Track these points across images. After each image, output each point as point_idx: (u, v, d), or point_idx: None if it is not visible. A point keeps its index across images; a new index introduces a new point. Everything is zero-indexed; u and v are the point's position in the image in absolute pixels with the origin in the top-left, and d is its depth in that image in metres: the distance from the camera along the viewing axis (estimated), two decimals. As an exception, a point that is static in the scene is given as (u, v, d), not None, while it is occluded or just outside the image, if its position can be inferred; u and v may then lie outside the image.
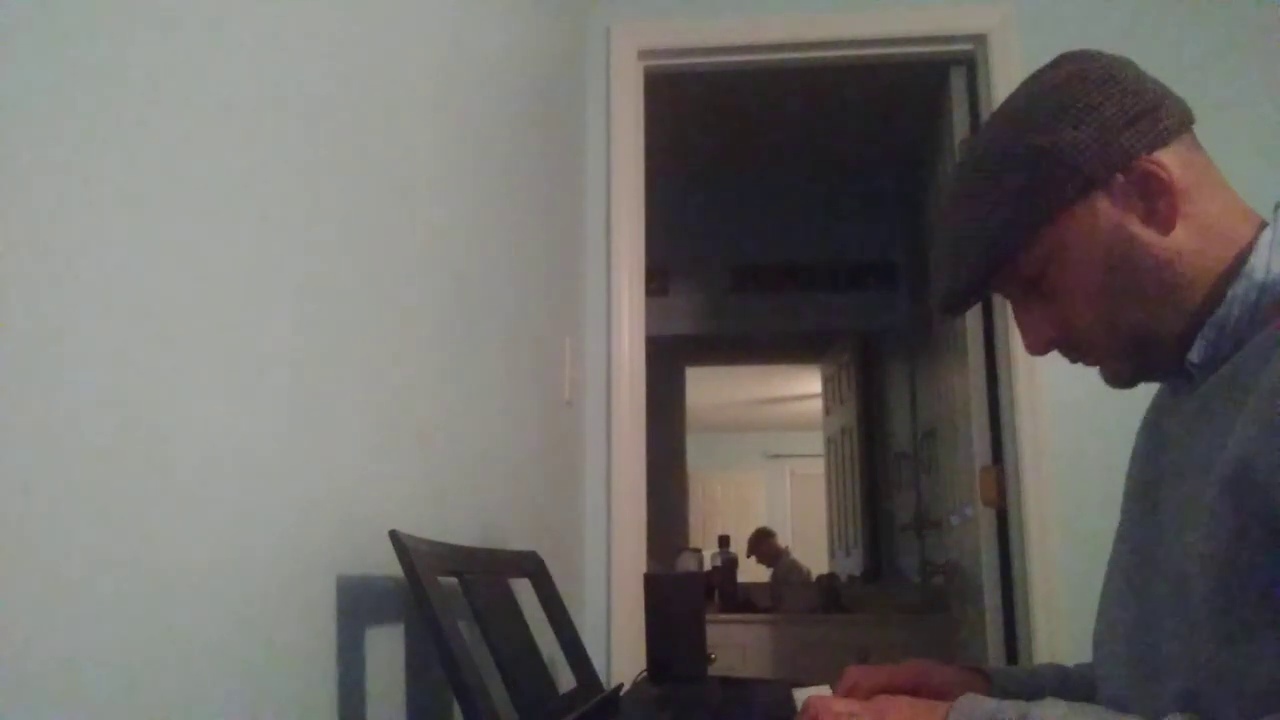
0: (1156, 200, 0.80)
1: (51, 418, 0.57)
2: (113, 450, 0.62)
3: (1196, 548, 0.73)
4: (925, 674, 1.01)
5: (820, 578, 4.17)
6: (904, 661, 1.03)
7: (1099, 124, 0.80)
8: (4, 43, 0.54)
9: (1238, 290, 0.78)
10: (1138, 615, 0.83)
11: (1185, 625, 0.74)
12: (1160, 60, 0.86)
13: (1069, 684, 1.01)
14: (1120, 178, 0.81)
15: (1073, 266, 0.83)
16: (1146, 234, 0.81)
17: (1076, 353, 0.88)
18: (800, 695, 0.99)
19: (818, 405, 4.60)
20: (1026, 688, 1.00)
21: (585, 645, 1.34)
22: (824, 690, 1.03)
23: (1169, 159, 0.80)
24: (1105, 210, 0.81)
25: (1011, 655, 2.38)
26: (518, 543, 1.58)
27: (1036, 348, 0.89)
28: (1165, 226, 0.80)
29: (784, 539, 4.50)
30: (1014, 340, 2.33)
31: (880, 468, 4.28)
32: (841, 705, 0.81)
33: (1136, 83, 0.82)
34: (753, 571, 4.30)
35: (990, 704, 0.77)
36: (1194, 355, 0.80)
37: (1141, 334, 0.82)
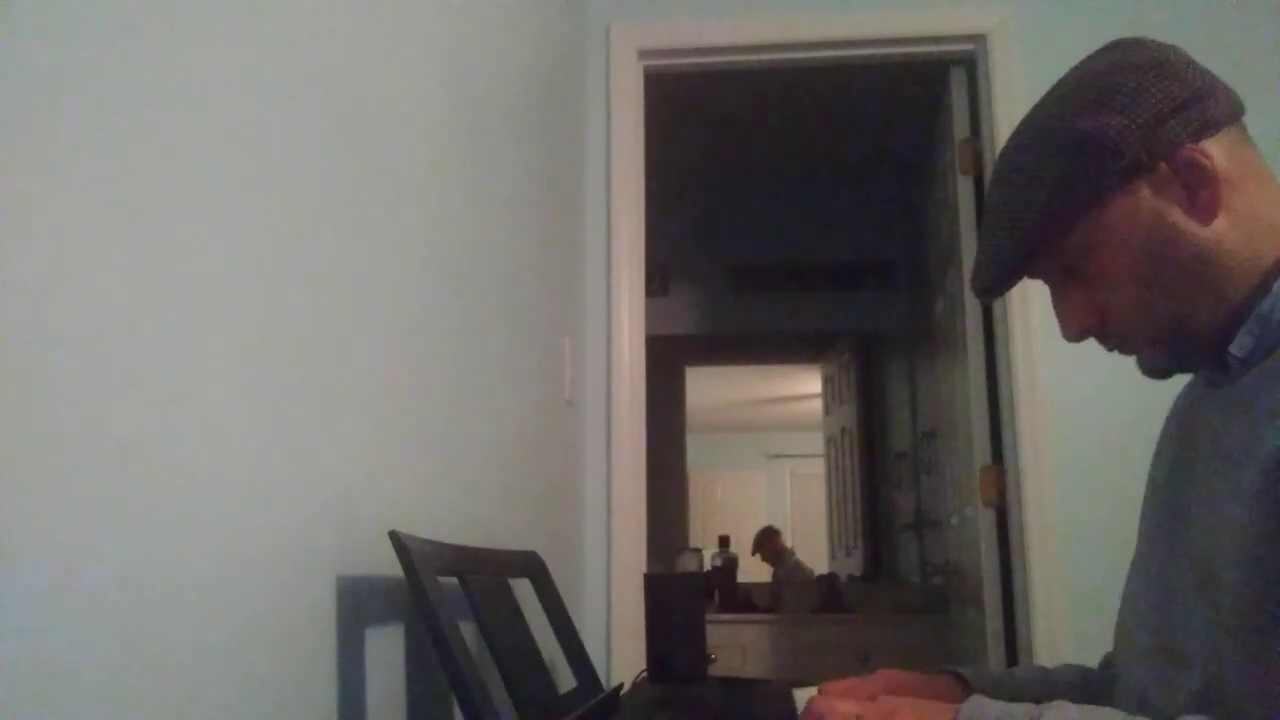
0: (1199, 189, 0.79)
1: (51, 418, 0.57)
2: (112, 450, 0.62)
3: (1229, 539, 0.72)
4: (897, 683, 0.97)
5: (821, 578, 4.17)
6: (878, 670, 1.01)
7: (1144, 110, 0.80)
8: (5, 40, 0.54)
9: None
10: (1162, 606, 0.82)
11: (1210, 618, 0.73)
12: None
13: (1050, 685, 0.99)
14: (1163, 165, 0.80)
15: (1112, 253, 0.82)
16: (1187, 223, 0.80)
17: (1113, 340, 0.87)
18: (800, 695, 0.99)
19: (818, 405, 4.60)
20: (1005, 689, 0.98)
21: (585, 645, 1.34)
22: None
23: (1215, 149, 0.80)
24: (1147, 198, 0.81)
25: (1011, 655, 2.38)
26: (518, 543, 1.58)
27: (1073, 334, 0.88)
28: (1207, 216, 0.80)
29: (784, 539, 4.50)
30: (1014, 340, 2.33)
31: (880, 468, 4.28)
32: (847, 706, 0.81)
33: (1185, 70, 0.82)
34: (753, 571, 4.30)
35: (996, 707, 0.76)
36: (1236, 348, 0.79)
37: (1180, 323, 0.82)
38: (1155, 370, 0.87)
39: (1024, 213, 0.84)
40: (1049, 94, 0.87)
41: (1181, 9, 2.40)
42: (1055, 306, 0.89)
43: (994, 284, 0.89)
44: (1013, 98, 2.40)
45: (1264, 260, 0.79)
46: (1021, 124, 0.88)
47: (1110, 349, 0.88)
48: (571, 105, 2.34)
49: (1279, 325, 0.77)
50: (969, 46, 2.52)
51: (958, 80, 2.66)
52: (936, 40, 2.52)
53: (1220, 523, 0.75)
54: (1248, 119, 0.85)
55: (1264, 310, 0.78)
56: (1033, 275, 0.89)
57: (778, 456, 4.65)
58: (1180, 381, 0.93)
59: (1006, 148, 0.89)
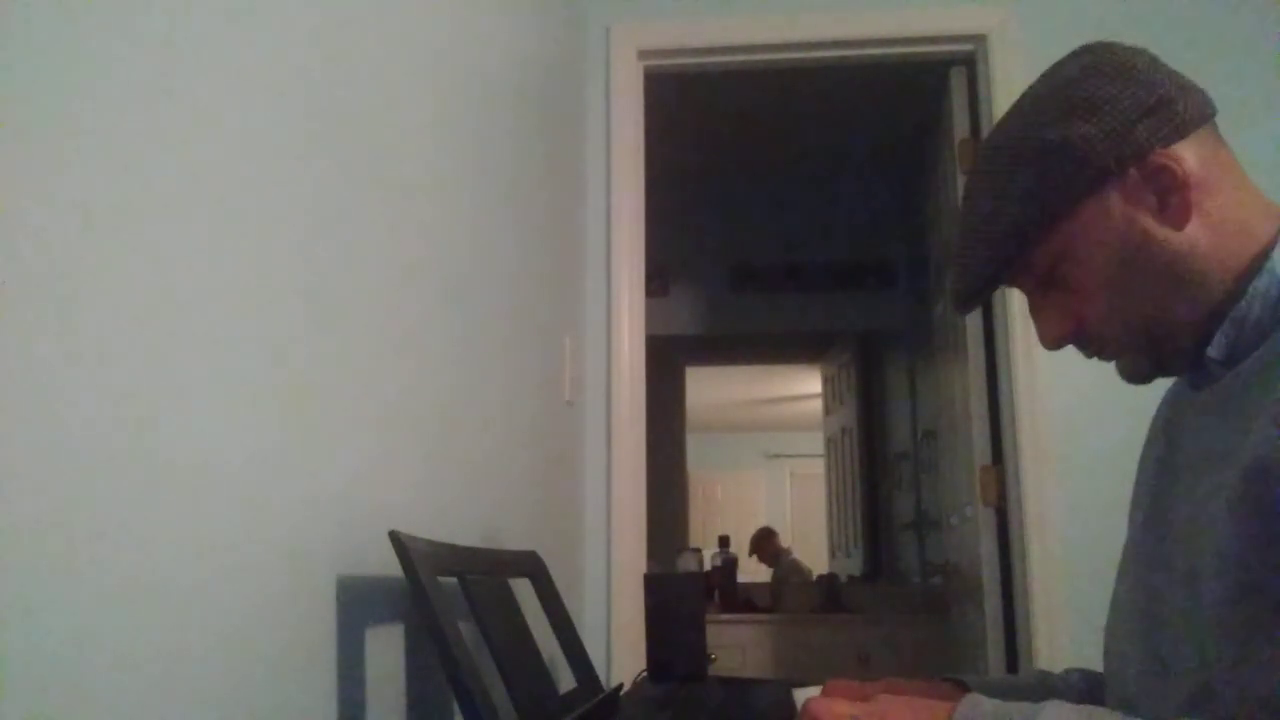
0: (1170, 195, 0.79)
1: (51, 418, 0.57)
2: (112, 450, 0.62)
3: (1211, 545, 0.72)
4: (898, 688, 0.97)
5: (820, 578, 4.17)
6: (881, 679, 1.00)
7: (1112, 117, 0.79)
8: (4, 41, 0.54)
9: (1259, 285, 0.77)
10: (1149, 610, 0.82)
11: (1197, 622, 0.73)
12: (1164, 59, 0.85)
13: (1051, 689, 0.99)
14: (1133, 171, 0.80)
15: (1086, 261, 0.82)
16: (1159, 229, 0.80)
17: (1092, 347, 0.87)
18: (800, 695, 0.99)
19: (818, 405, 4.60)
20: (1006, 693, 0.97)
21: (585, 645, 1.34)
22: None
23: (1186, 152, 0.79)
24: (1118, 204, 0.80)
25: (1011, 655, 2.38)
26: (518, 543, 1.58)
27: (1051, 342, 0.88)
28: (1179, 221, 0.79)
29: (784, 539, 4.50)
30: (1014, 340, 2.33)
31: (880, 468, 4.28)
32: (843, 707, 0.81)
33: (1153, 74, 0.81)
34: (753, 571, 4.30)
35: (991, 705, 0.76)
36: (1213, 351, 0.79)
37: (1156, 328, 0.82)
38: (1135, 376, 0.87)
39: (996, 225, 0.84)
40: (1018, 103, 0.87)
41: (1180, 8, 2.40)
42: (1032, 315, 0.89)
43: (970, 296, 0.89)
44: (1012, 98, 2.38)
45: (1238, 262, 0.79)
46: (991, 134, 0.88)
47: (1089, 356, 0.88)
48: (571, 106, 2.34)
49: (1255, 327, 0.77)
50: (969, 46, 2.52)
51: (958, 80, 2.66)
52: (936, 40, 2.52)
53: (1203, 525, 0.74)
54: (1247, 119, 0.84)
55: (1240, 313, 0.78)
56: (1008, 285, 0.89)
57: (778, 456, 4.66)
58: (1167, 383, 0.93)
59: (978, 160, 0.88)
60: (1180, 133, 0.80)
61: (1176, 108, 0.80)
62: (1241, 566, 0.69)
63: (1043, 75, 0.87)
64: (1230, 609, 0.70)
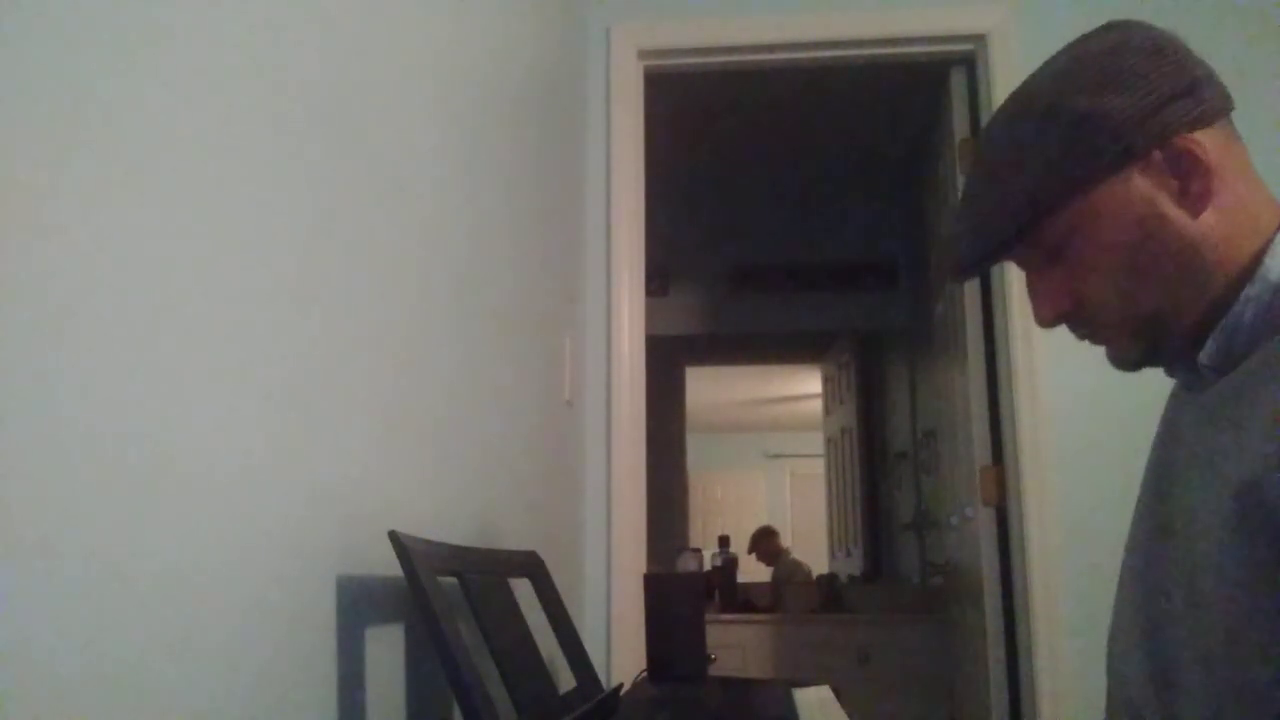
0: (1191, 180, 0.78)
1: (49, 416, 0.57)
2: (111, 449, 0.62)
3: (1210, 557, 0.71)
4: None
5: (820, 578, 4.17)
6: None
7: (1144, 95, 0.78)
8: (4, 39, 0.54)
9: (1251, 292, 0.76)
10: (1151, 617, 0.80)
11: (1200, 635, 0.72)
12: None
13: None
14: (1158, 153, 0.78)
15: (1098, 239, 0.80)
16: (1177, 214, 0.79)
17: (1087, 328, 0.85)
18: (800, 695, 0.99)
19: (818, 405, 4.60)
20: None
21: (585, 645, 1.34)
22: (824, 690, 1.03)
23: (1207, 140, 0.78)
24: (1139, 185, 0.79)
25: (1011, 655, 2.38)
26: (518, 543, 1.58)
27: (1047, 319, 0.86)
28: (1197, 208, 0.78)
29: (784, 539, 4.50)
30: (1014, 340, 2.33)
31: (880, 468, 4.28)
32: None
33: (1185, 57, 0.80)
34: (753, 571, 4.30)
35: None
36: (1204, 356, 0.78)
37: (1157, 316, 0.80)
38: (1124, 362, 0.85)
39: (1012, 191, 0.81)
40: (1041, 72, 0.85)
41: (1182, 9, 2.39)
42: (1030, 289, 0.87)
43: (974, 264, 0.86)
44: (1013, 98, 2.39)
45: (1243, 257, 0.78)
46: (1011, 100, 0.85)
47: (1081, 337, 0.87)
48: (571, 106, 2.34)
49: (1247, 334, 0.76)
50: (969, 46, 2.52)
51: (958, 80, 2.67)
52: (936, 40, 2.52)
53: (1199, 530, 0.73)
54: (1250, 118, 0.84)
55: (1232, 319, 0.77)
56: (1011, 257, 0.87)
57: (778, 456, 4.66)
58: (1168, 382, 0.92)
59: (994, 124, 0.86)
60: (1205, 120, 0.79)
61: (1204, 94, 0.79)
62: (1242, 587, 0.68)
63: (1068, 46, 0.85)
64: (1234, 626, 0.68)
